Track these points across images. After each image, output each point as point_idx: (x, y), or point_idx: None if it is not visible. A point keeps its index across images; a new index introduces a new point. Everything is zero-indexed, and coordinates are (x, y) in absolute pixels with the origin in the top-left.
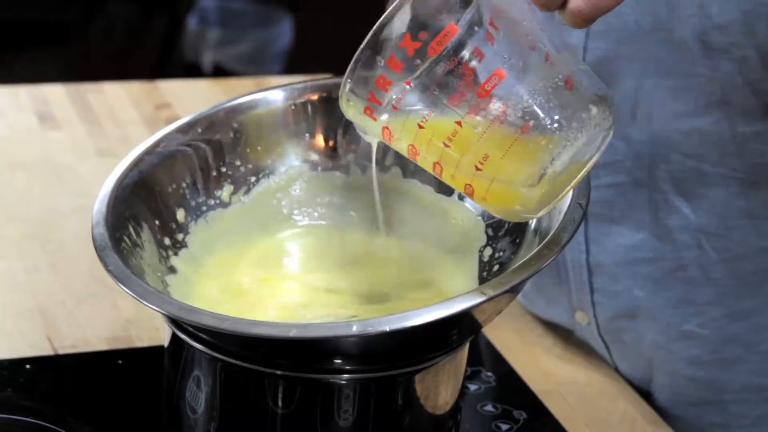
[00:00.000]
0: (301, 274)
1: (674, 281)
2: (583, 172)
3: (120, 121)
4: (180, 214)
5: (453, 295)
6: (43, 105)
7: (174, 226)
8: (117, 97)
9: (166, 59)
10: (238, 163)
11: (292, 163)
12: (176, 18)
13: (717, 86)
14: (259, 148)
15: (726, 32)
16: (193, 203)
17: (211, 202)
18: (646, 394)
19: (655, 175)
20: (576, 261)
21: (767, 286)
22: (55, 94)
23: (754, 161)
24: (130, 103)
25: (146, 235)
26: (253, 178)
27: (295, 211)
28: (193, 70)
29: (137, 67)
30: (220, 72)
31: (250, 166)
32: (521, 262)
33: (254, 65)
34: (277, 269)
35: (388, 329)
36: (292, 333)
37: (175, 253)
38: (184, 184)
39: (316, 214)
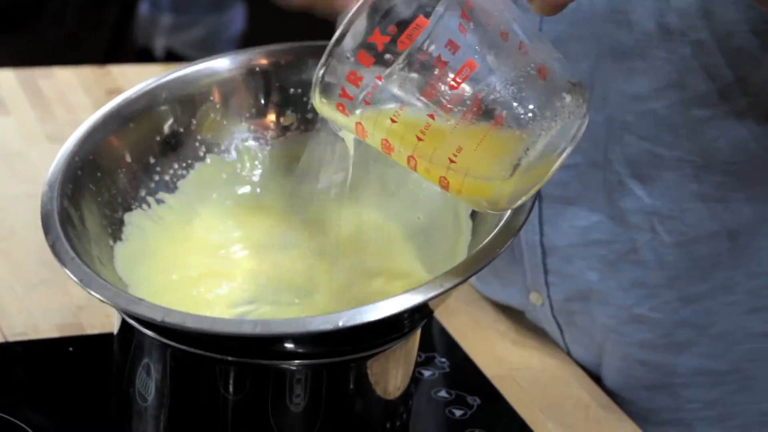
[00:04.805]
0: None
1: (627, 264)
2: (558, 162)
3: (71, 107)
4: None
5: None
6: None
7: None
8: (68, 82)
9: (117, 45)
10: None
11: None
12: (128, 3)
13: (673, 69)
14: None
15: (683, 15)
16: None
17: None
18: (597, 377)
19: (610, 156)
20: (530, 242)
21: (719, 270)
22: (4, 79)
23: (708, 145)
24: (81, 89)
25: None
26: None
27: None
28: (145, 56)
29: (89, 52)
30: (172, 57)
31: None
32: (476, 249)
33: (207, 51)
34: (236, 243)
35: (329, 327)
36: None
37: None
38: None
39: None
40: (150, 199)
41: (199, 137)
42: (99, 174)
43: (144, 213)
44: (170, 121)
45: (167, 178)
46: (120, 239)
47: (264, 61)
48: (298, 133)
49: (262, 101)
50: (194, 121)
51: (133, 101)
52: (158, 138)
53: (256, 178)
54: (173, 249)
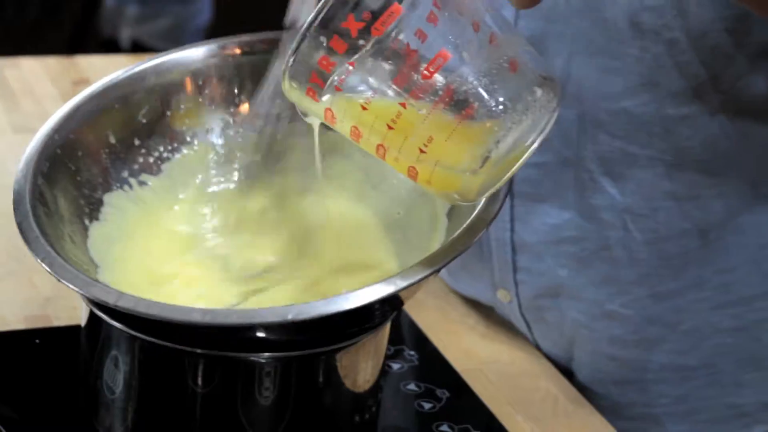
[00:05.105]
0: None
1: (598, 261)
2: (527, 155)
3: (37, 97)
4: None
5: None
6: None
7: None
8: (34, 72)
9: (83, 35)
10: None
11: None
12: None
13: (646, 68)
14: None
15: (656, 14)
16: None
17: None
18: (566, 372)
19: (582, 154)
20: (500, 239)
21: (690, 268)
22: None
23: (681, 144)
24: (48, 79)
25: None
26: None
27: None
28: (110, 46)
29: (54, 42)
30: (138, 48)
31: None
32: (447, 241)
33: (173, 42)
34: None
35: (290, 318)
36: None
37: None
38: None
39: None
40: (132, 180)
41: (187, 121)
42: (80, 153)
43: (125, 194)
44: (157, 103)
45: (151, 160)
46: (97, 219)
47: (255, 49)
48: (286, 122)
49: (249, 89)
50: (182, 106)
51: (120, 83)
52: (145, 120)
53: (241, 166)
54: (151, 233)
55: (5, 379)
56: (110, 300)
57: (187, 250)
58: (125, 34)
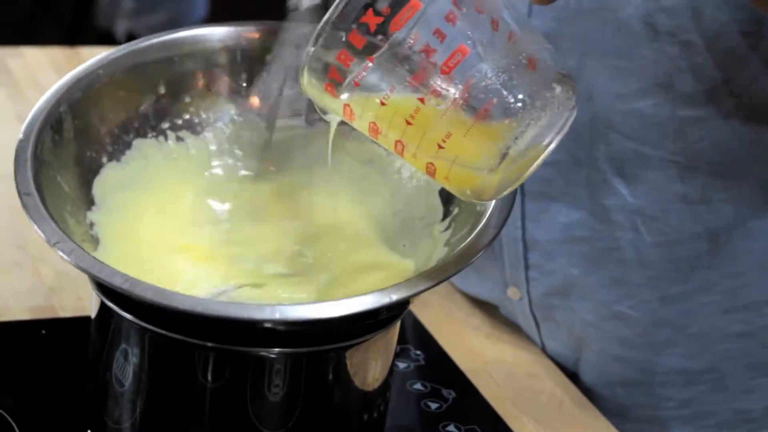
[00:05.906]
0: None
1: (609, 261)
2: (545, 154)
3: (41, 87)
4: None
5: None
6: None
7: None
8: (38, 62)
9: (78, 28)
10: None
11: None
12: None
13: (660, 69)
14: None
15: (672, 15)
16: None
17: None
18: (571, 374)
19: (594, 154)
20: (511, 237)
21: (698, 271)
22: None
23: (693, 146)
24: (52, 69)
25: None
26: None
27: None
28: (106, 39)
29: (49, 35)
30: None
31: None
32: (458, 249)
33: None
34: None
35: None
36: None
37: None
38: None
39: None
40: (171, 133)
41: (243, 93)
42: (122, 93)
43: (158, 144)
44: (219, 69)
45: (197, 120)
46: (117, 160)
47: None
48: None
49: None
50: (244, 75)
51: (187, 40)
52: (202, 82)
53: (268, 150)
54: (166, 192)
55: (11, 370)
56: (58, 247)
57: (195, 221)
58: (121, 28)
